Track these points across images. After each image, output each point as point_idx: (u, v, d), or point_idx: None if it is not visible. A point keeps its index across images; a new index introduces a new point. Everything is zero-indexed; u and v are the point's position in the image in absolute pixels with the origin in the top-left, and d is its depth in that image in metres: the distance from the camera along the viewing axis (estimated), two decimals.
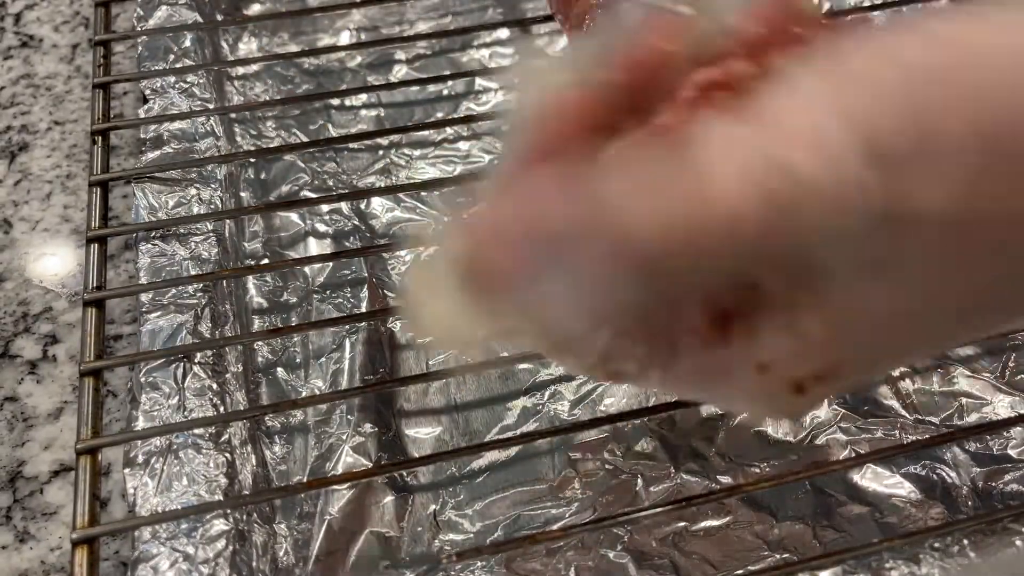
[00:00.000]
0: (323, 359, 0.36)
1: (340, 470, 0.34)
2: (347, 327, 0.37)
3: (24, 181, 0.41)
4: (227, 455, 0.32)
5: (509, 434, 0.34)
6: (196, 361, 0.33)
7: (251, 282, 0.38)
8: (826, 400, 0.35)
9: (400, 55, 0.46)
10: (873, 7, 0.44)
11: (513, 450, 0.34)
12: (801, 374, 0.17)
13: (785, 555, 0.32)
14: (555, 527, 0.32)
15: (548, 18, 0.46)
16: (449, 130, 0.43)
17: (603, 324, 0.17)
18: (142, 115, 0.39)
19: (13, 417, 0.35)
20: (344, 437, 0.34)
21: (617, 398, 0.36)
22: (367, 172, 0.42)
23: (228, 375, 0.34)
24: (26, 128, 0.42)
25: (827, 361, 0.17)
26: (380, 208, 0.41)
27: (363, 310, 0.38)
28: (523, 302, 0.17)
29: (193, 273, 0.35)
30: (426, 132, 0.43)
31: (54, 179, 0.41)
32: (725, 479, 0.33)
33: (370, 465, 0.34)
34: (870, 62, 0.15)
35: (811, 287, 0.16)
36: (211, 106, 0.40)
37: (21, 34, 0.46)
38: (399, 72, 0.46)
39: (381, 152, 0.43)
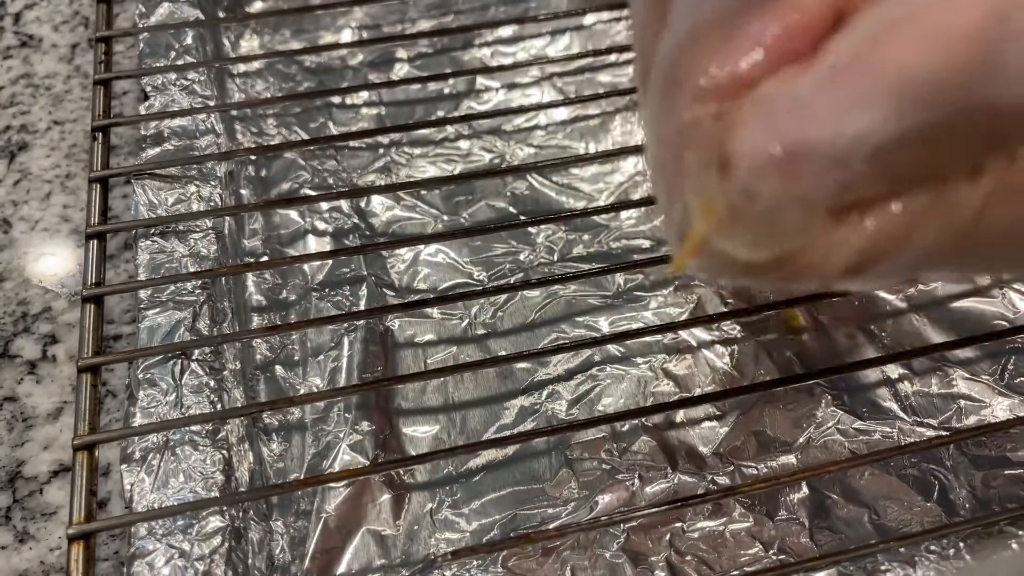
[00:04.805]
0: (321, 357, 0.36)
1: (337, 468, 0.34)
2: (345, 325, 0.37)
3: (23, 181, 0.41)
4: (224, 452, 0.32)
5: (506, 433, 0.34)
6: (194, 358, 0.33)
7: (250, 279, 0.38)
8: (823, 400, 0.35)
9: (401, 53, 0.46)
10: None
11: (510, 449, 0.34)
12: None
13: (781, 556, 0.32)
14: (551, 527, 0.32)
15: (551, 16, 0.46)
16: (450, 128, 0.43)
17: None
18: (143, 112, 0.39)
19: (12, 417, 0.35)
20: (341, 435, 0.34)
21: (615, 398, 0.35)
22: (367, 170, 0.42)
23: (226, 372, 0.34)
24: (25, 128, 0.43)
25: None
26: (380, 206, 0.41)
27: (362, 308, 0.38)
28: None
29: (192, 270, 0.35)
30: (427, 130, 0.43)
31: (53, 179, 0.41)
32: (722, 480, 0.33)
33: (367, 463, 0.34)
34: None
35: None
36: (212, 103, 0.40)
37: (20, 34, 0.46)
38: (400, 70, 0.46)
39: (382, 150, 0.43)
